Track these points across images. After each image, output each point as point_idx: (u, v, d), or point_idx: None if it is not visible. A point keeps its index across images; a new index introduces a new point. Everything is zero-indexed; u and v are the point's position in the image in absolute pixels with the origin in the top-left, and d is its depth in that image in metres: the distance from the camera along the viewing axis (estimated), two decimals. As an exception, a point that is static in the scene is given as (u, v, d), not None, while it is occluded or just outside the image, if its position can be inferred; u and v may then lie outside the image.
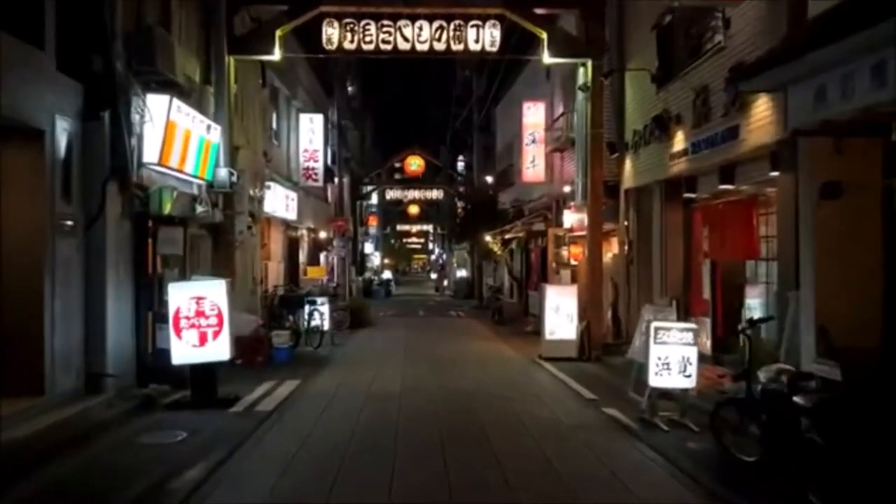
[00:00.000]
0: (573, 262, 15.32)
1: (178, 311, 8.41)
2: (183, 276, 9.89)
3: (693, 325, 7.44)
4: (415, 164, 37.47)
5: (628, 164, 12.27)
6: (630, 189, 12.42)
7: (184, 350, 8.42)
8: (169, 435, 6.99)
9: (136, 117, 8.69)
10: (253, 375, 10.61)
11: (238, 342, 11.95)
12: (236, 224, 12.39)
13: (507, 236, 22.05)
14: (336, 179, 28.14)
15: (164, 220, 9.58)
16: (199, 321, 8.45)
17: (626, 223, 12.62)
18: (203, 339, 8.46)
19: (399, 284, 54.88)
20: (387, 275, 50.13)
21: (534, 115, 17.82)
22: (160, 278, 9.37)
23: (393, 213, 62.47)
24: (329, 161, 28.36)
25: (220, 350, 8.52)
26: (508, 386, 10.01)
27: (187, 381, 8.67)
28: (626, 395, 8.38)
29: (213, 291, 8.55)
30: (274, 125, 17.79)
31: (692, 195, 10.39)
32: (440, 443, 6.84)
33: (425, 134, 46.23)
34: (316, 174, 20.25)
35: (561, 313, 12.53)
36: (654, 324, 7.30)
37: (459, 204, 33.50)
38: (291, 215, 18.37)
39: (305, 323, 14.10)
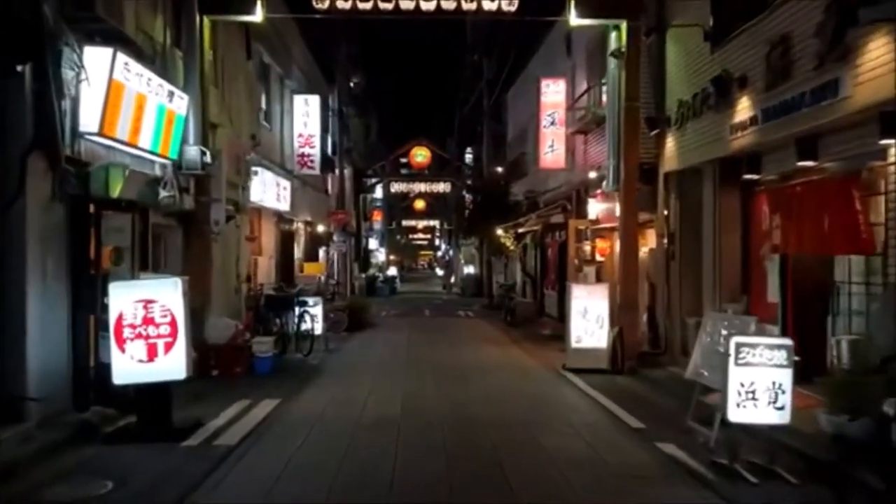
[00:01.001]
0: (599, 258, 13.53)
1: (120, 318, 6.67)
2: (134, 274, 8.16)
3: (787, 341, 5.63)
4: (420, 155, 35.66)
5: (670, 143, 10.45)
6: (672, 172, 10.60)
7: (127, 366, 6.68)
8: (89, 485, 5.24)
9: (68, 74, 6.92)
10: (228, 390, 8.94)
11: (214, 351, 10.31)
12: (212, 213, 10.63)
13: (520, 230, 20.24)
14: (336, 170, 26.37)
15: (112, 205, 7.85)
16: (147, 330, 6.71)
17: (665, 212, 10.81)
18: (152, 353, 6.72)
19: (405, 281, 53.28)
20: (392, 272, 48.52)
21: (553, 94, 16.00)
22: (105, 276, 7.62)
23: (398, 208, 60.70)
24: (329, 150, 26.67)
25: (173, 366, 6.77)
26: (533, 409, 8.20)
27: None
28: (683, 424, 6.61)
29: (166, 293, 6.80)
30: (263, 105, 16.03)
31: (754, 176, 8.57)
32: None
33: (432, 126, 44.39)
34: (312, 161, 18.47)
35: (590, 317, 10.74)
36: (736, 339, 5.50)
37: (468, 197, 31.69)
38: (284, 206, 16.61)
39: (295, 326, 12.35)
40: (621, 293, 10.72)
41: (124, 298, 6.70)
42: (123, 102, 7.49)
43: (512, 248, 20.66)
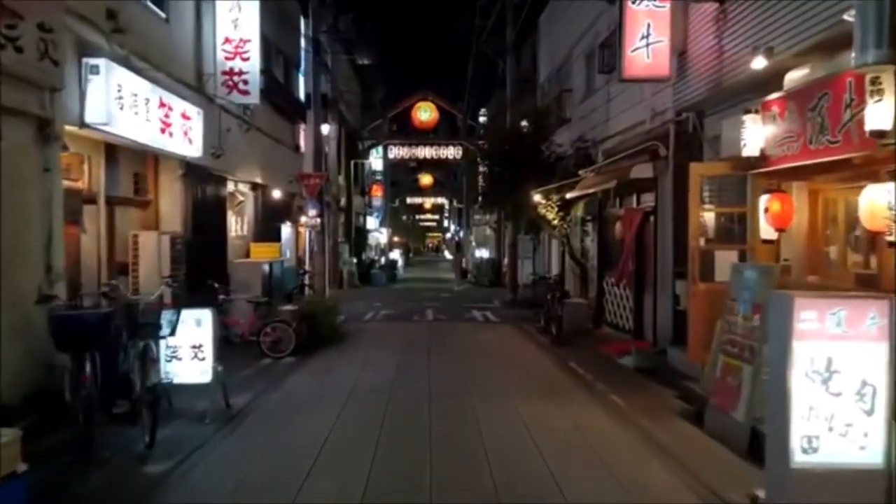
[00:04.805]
0: (767, 235, 6.77)
1: None
2: None
3: None
4: (426, 112, 28.86)
5: None
6: None
7: None
8: None
9: None
10: None
11: None
12: None
13: (569, 195, 13.45)
14: (311, 122, 19.63)
15: None
16: None
17: None
18: None
19: (409, 266, 46.91)
20: (394, 255, 41.97)
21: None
22: None
23: (404, 184, 53.93)
24: (301, 95, 20.05)
25: None
26: None
27: None
28: None
29: None
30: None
31: None
32: None
33: (441, 87, 37.27)
34: (245, 83, 11.74)
35: (840, 386, 4.07)
36: None
37: (482, 167, 24.54)
38: (187, 148, 9.98)
39: (138, 377, 5.72)
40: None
41: None
42: None
43: (556, 222, 13.92)
